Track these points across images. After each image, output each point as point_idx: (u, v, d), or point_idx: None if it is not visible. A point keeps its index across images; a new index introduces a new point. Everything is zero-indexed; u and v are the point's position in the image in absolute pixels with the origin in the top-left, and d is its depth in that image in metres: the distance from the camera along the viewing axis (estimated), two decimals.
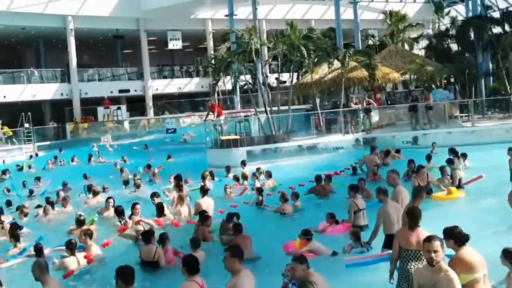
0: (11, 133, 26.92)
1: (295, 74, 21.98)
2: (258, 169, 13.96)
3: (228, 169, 14.91)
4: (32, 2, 27.95)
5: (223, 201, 11.29)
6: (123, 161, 19.75)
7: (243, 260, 4.85)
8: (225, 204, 10.84)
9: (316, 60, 19.65)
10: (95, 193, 11.77)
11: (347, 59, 20.21)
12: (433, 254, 4.30)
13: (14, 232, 8.42)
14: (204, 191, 10.01)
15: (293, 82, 21.12)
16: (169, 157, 19.83)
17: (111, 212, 9.91)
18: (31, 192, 14.60)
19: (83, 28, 30.07)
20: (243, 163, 15.16)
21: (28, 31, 29.87)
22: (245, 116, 20.15)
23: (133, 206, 9.00)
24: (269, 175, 12.76)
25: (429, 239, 4.43)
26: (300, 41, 18.82)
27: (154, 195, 10.24)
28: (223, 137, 17.86)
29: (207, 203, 9.68)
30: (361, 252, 7.05)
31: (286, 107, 20.86)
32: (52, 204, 10.89)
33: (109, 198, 10.54)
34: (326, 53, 19.77)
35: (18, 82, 29.99)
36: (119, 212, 9.27)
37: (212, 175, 13.77)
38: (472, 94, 23.55)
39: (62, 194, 12.60)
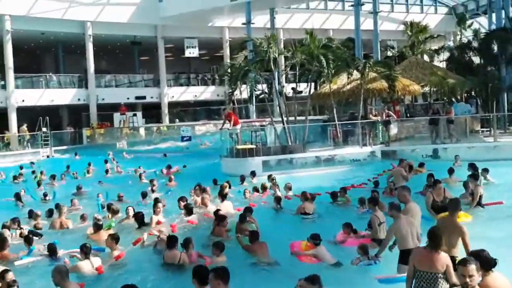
0: (28, 137, 27.24)
1: (313, 84, 21.64)
2: (270, 176, 13.91)
3: (242, 178, 14.80)
4: (52, 7, 28.33)
5: (242, 204, 11.15)
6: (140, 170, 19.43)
7: (228, 283, 4.68)
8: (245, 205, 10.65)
9: (334, 70, 19.31)
10: (114, 212, 10.59)
11: (367, 70, 19.79)
12: (468, 279, 4.06)
13: (29, 235, 8.38)
14: (223, 195, 10.26)
15: (311, 92, 20.76)
16: (184, 166, 19.65)
17: (131, 220, 9.74)
18: (45, 195, 14.48)
19: (101, 34, 30.33)
20: (253, 174, 15.08)
21: (48, 36, 30.27)
22: (261, 126, 19.82)
23: (155, 204, 8.89)
24: (289, 187, 12.48)
25: (464, 262, 4.16)
26: (319, 51, 18.50)
27: (181, 199, 10.27)
28: (239, 146, 17.60)
29: (226, 207, 9.98)
30: (369, 265, 7.06)
31: (302, 117, 20.57)
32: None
33: (128, 207, 10.36)
34: (346, 63, 19.40)
35: (37, 87, 30.33)
36: (139, 218, 9.17)
37: (229, 184, 13.59)
38: (494, 108, 22.93)
39: (76, 202, 12.53)
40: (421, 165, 15.58)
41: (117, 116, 29.93)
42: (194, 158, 21.84)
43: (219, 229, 8.40)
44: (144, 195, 12.81)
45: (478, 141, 19.38)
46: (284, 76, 26.86)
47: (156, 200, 9.31)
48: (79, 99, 30.73)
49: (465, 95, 25.54)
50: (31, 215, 10.69)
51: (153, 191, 13.41)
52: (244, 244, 7.78)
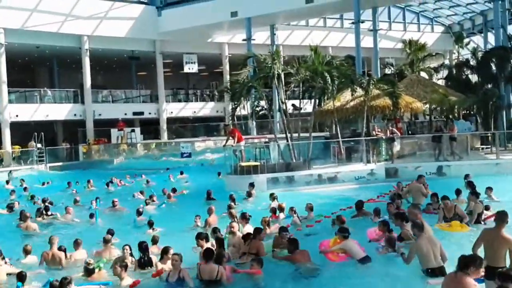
0: (17, 153, 26.66)
1: (314, 101, 21.51)
2: (272, 194, 13.50)
3: (249, 194, 14.66)
4: (48, 21, 27.93)
5: None
6: (146, 182, 19.55)
7: None
8: None
9: (338, 87, 19.19)
10: (106, 242, 9.45)
11: (371, 87, 19.70)
12: None
13: (22, 272, 7.62)
14: (246, 218, 9.81)
15: (312, 110, 20.57)
16: (181, 173, 19.31)
17: (128, 260, 8.38)
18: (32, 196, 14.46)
19: (98, 48, 29.97)
20: (252, 185, 14.98)
21: (43, 50, 29.75)
22: (265, 142, 19.53)
23: (165, 251, 7.79)
24: (310, 208, 11.90)
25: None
26: (323, 67, 18.39)
27: (214, 230, 9.04)
28: (243, 163, 17.27)
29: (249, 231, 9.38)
30: (396, 257, 7.12)
31: (305, 134, 20.37)
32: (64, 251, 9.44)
33: (125, 245, 8.86)
34: (350, 80, 19.29)
35: (31, 102, 29.76)
36: (143, 248, 8.29)
37: (233, 199, 13.39)
38: (492, 126, 23.05)
39: (70, 210, 12.84)
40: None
41: (114, 132, 29.50)
42: (193, 174, 21.45)
43: (256, 243, 7.95)
44: (139, 213, 12.54)
45: (480, 158, 19.42)
46: (285, 92, 26.76)
47: (167, 248, 7.97)
48: (75, 115, 30.20)
49: (463, 112, 25.63)
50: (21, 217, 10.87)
51: (146, 203, 13.41)
52: (284, 256, 7.59)
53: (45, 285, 7.47)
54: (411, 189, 12.95)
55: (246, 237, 8.27)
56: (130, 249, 8.51)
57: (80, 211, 13.99)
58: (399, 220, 8.36)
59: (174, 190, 16.26)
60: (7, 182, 19.73)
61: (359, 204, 11.36)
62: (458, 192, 12.05)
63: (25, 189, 18.90)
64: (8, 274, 8.03)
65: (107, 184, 19.72)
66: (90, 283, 7.39)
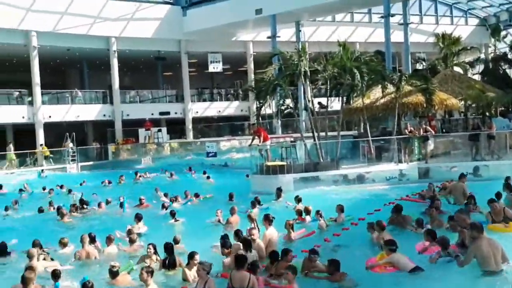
0: (47, 153, 27.23)
1: (342, 99, 20.85)
2: (296, 196, 13.10)
3: (279, 193, 14.31)
4: (77, 23, 28.44)
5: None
6: (170, 175, 19.94)
7: None
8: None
9: (368, 83, 18.47)
10: (132, 241, 9.98)
11: (402, 83, 18.88)
12: None
13: (56, 270, 7.71)
14: (269, 220, 9.25)
15: (341, 107, 19.92)
16: (208, 177, 19.23)
17: (152, 259, 8.60)
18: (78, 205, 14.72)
19: (126, 49, 30.28)
20: (279, 190, 14.54)
21: (73, 52, 30.39)
22: (291, 141, 19.06)
23: (191, 256, 7.58)
24: (340, 209, 11.49)
25: None
26: (352, 63, 17.73)
27: (237, 232, 8.92)
28: (269, 163, 16.87)
29: (272, 234, 9.07)
30: (449, 261, 6.85)
31: (332, 133, 19.79)
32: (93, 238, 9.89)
33: (149, 245, 8.93)
34: (381, 76, 18.54)
35: (63, 103, 30.44)
36: (168, 250, 8.37)
37: (258, 201, 13.20)
38: None
39: (103, 205, 14.12)
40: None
41: (142, 131, 29.65)
42: (219, 174, 21.29)
43: (283, 264, 7.36)
44: (164, 207, 13.16)
45: None
46: (312, 90, 26.16)
47: (192, 254, 7.65)
48: (104, 115, 30.64)
49: (500, 109, 24.35)
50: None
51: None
52: (325, 276, 7.16)
53: (82, 281, 7.45)
54: (453, 188, 12.52)
55: (272, 256, 7.74)
56: (154, 248, 8.62)
57: (111, 208, 14.84)
58: (475, 232, 7.71)
59: (197, 196, 15.92)
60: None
61: (399, 208, 10.56)
62: (498, 195, 11.22)
63: (61, 186, 19.47)
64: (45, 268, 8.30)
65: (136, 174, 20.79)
66: None
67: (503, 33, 31.13)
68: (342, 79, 17.92)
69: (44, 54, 28.05)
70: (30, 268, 7.32)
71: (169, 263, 8.23)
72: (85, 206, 14.57)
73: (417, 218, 9.97)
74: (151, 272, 6.99)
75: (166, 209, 13.28)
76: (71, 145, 27.44)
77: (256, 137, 18.06)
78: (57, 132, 29.09)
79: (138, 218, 11.38)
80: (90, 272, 8.37)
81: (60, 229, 12.13)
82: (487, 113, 23.67)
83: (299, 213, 11.51)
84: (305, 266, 7.52)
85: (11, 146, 27.38)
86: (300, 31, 27.37)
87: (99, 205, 14.66)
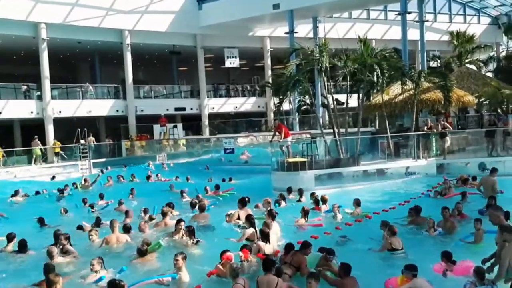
0: (58, 149, 26.70)
1: (361, 95, 20.90)
2: (312, 193, 13.33)
3: (301, 192, 14.30)
4: (89, 15, 27.78)
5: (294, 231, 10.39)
6: (186, 180, 19.29)
7: None
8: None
9: (388, 80, 18.56)
10: (164, 214, 11.26)
11: (421, 80, 18.97)
12: None
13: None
14: (272, 216, 9.66)
15: (361, 104, 19.98)
16: (230, 179, 19.17)
17: (180, 235, 9.47)
18: (91, 206, 14.38)
19: (139, 43, 29.84)
20: (289, 190, 14.61)
21: (84, 45, 29.70)
22: (312, 138, 19.12)
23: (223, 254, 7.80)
24: (357, 203, 11.88)
25: None
26: (373, 60, 17.78)
27: (249, 217, 9.51)
28: (290, 159, 16.91)
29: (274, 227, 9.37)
30: None
31: (352, 129, 19.83)
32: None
33: (179, 220, 9.86)
34: (401, 73, 18.61)
35: (73, 98, 29.85)
36: (191, 232, 9.10)
37: (283, 198, 13.36)
38: None
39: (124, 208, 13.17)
40: (474, 178, 15.16)
41: (157, 128, 29.33)
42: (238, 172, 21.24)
43: (300, 258, 7.54)
44: (193, 205, 12.73)
45: None
46: (332, 86, 26.19)
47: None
48: (117, 110, 30.26)
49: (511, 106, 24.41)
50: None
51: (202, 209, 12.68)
52: (333, 279, 7.10)
53: (119, 271, 7.63)
54: (483, 182, 12.64)
55: (288, 247, 7.90)
56: (184, 224, 9.41)
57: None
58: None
59: (217, 187, 16.12)
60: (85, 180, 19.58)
61: (418, 209, 10.66)
62: None
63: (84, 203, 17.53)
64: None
65: (147, 178, 20.08)
66: (155, 277, 7.35)
67: None
68: (362, 75, 17.99)
69: (54, 47, 27.42)
70: (52, 270, 7.06)
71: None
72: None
73: (429, 218, 9.90)
74: (185, 258, 7.26)
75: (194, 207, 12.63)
76: (82, 141, 26.71)
77: (277, 133, 18.15)
78: (67, 128, 28.54)
79: (164, 213, 11.38)
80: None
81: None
82: (499, 110, 23.75)
83: (316, 202, 11.73)
84: (320, 264, 7.60)
85: (38, 141, 26.45)
86: (318, 27, 27.31)
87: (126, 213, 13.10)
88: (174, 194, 16.50)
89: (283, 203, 13.12)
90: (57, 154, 26.86)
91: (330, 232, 9.97)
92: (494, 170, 13.24)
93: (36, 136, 26.73)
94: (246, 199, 12.01)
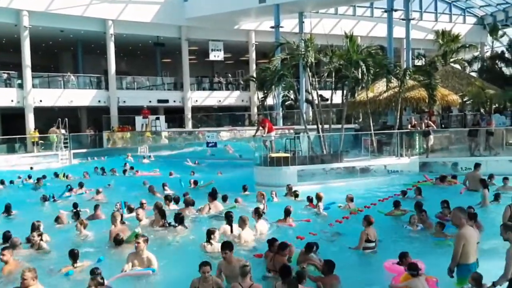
0: (36, 139, 26.28)
1: (346, 92, 20.83)
2: (288, 185, 13.73)
3: (289, 190, 14.18)
4: (72, 3, 27.41)
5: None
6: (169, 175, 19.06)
7: None
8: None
9: (373, 77, 18.50)
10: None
11: (406, 78, 18.96)
12: None
13: (74, 250, 7.67)
14: (258, 213, 9.57)
15: (345, 100, 19.90)
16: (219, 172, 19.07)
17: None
18: (70, 189, 14.47)
19: (123, 33, 29.53)
20: (244, 188, 14.59)
21: (67, 34, 29.41)
22: (296, 133, 18.99)
23: (224, 246, 7.38)
24: (350, 199, 11.98)
25: None
26: (358, 56, 17.69)
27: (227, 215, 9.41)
28: (273, 154, 16.76)
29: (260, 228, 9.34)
30: None
31: (336, 126, 19.78)
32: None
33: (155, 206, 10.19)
34: (386, 70, 18.56)
35: (55, 87, 29.47)
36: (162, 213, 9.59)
37: (275, 194, 13.36)
38: None
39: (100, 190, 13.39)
40: (454, 176, 15.43)
41: (139, 119, 29.03)
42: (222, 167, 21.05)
43: (280, 258, 7.24)
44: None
45: None
46: (317, 82, 26.08)
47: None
48: (99, 101, 29.90)
49: (494, 106, 24.71)
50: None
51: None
52: (314, 276, 6.92)
53: (97, 262, 7.52)
54: (470, 177, 13.13)
55: (271, 251, 7.56)
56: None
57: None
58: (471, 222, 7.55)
59: (195, 183, 15.99)
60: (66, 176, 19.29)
61: (420, 204, 10.66)
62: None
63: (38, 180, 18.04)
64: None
65: (124, 172, 19.91)
66: (135, 269, 7.22)
67: (499, 32, 31.49)
68: (347, 71, 17.88)
69: (36, 35, 27.01)
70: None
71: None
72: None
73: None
74: (146, 241, 7.38)
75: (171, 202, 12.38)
76: (63, 131, 26.54)
77: (261, 127, 17.96)
78: (48, 117, 28.16)
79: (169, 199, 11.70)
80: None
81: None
82: (482, 110, 24.00)
83: (309, 199, 11.62)
84: (301, 259, 7.45)
85: (55, 129, 26.27)
86: (303, 22, 27.14)
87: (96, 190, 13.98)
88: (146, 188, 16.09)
89: (275, 199, 13.15)
90: (36, 143, 26.36)
91: (316, 233, 9.71)
92: (477, 165, 13.66)
93: (54, 124, 26.63)
94: (216, 192, 12.24)
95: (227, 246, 6.88)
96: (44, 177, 18.10)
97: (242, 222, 8.83)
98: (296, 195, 13.36)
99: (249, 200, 12.82)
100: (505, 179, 12.91)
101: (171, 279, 7.15)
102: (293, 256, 7.59)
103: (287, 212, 10.56)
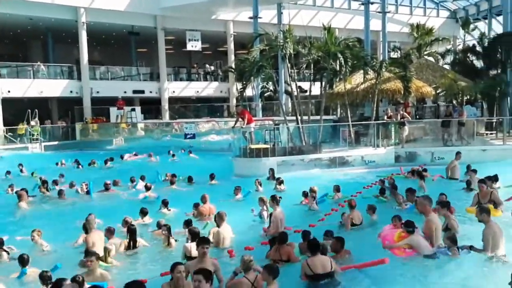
0: (23, 131, 25.57)
1: (324, 83, 20.97)
2: (271, 169, 14.31)
3: (272, 173, 14.62)
4: None
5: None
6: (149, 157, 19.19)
7: None
8: None
9: (351, 69, 18.69)
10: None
11: (383, 70, 19.21)
12: None
13: (24, 255, 7.21)
14: (276, 200, 9.23)
15: (323, 92, 20.03)
16: (190, 152, 18.78)
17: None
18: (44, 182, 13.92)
19: (96, 22, 28.72)
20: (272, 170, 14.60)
21: (36, 22, 28.39)
22: (275, 125, 19.01)
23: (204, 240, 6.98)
24: (337, 189, 12.22)
25: None
26: (336, 48, 17.81)
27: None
28: (253, 146, 16.78)
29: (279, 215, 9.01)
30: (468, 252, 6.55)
31: (315, 117, 19.87)
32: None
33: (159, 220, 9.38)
34: (364, 62, 18.75)
35: (24, 77, 28.50)
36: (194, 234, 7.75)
37: (260, 183, 13.36)
38: (495, 112, 22.92)
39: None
40: (425, 170, 15.50)
41: (114, 110, 28.33)
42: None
43: (287, 250, 7.14)
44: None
45: (487, 144, 19.36)
46: (296, 73, 26.12)
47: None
48: (71, 91, 29.02)
49: (466, 98, 25.40)
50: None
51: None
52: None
53: (53, 269, 7.00)
54: (451, 165, 13.68)
55: (274, 242, 7.43)
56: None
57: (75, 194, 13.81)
58: (444, 209, 7.92)
59: (174, 176, 15.51)
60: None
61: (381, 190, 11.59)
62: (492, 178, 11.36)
63: (21, 171, 18.27)
64: None
65: (106, 162, 19.54)
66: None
67: (471, 26, 32.27)
68: (325, 63, 17.97)
69: (3, 22, 26.08)
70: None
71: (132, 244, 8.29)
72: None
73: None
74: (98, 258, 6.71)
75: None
76: (33, 123, 25.77)
77: (240, 119, 17.89)
78: (17, 109, 27.19)
79: (144, 213, 10.25)
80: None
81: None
82: (455, 101, 24.61)
83: (305, 195, 11.62)
84: (303, 249, 7.33)
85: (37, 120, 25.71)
86: (282, 13, 27.04)
87: (59, 193, 13.05)
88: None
89: (260, 188, 13.24)
90: (4, 137, 25.56)
91: (315, 224, 9.63)
92: (457, 154, 14.33)
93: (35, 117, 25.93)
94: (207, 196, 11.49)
95: (207, 240, 6.39)
96: (8, 172, 17.57)
97: (220, 218, 8.48)
98: (280, 182, 13.45)
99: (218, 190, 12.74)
100: (473, 171, 13.08)
101: None
102: (294, 250, 7.43)
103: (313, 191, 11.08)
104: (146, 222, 10.04)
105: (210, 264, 6.01)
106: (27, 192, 12.43)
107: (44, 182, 13.89)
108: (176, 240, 8.40)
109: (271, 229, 8.73)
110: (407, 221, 6.83)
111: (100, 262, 7.05)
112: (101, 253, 7.43)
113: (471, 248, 6.52)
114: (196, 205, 10.58)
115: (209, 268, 5.67)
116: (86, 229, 8.00)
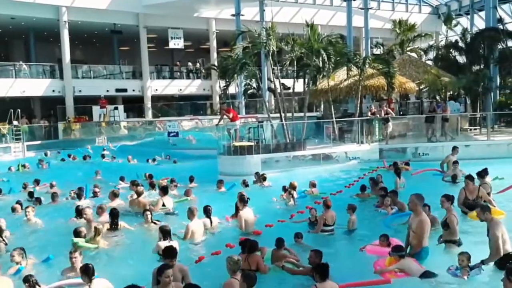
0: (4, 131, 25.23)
1: (307, 80, 20.97)
2: (257, 173, 13.74)
3: (258, 177, 14.19)
4: None
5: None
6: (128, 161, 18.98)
7: None
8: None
9: (334, 65, 18.70)
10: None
11: (366, 66, 19.27)
12: None
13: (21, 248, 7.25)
14: (244, 200, 9.18)
15: (307, 89, 20.03)
16: (175, 161, 18.63)
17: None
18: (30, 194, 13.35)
19: (78, 20, 28.43)
20: (257, 174, 14.33)
21: (18, 21, 28.05)
22: (259, 122, 18.97)
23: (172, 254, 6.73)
24: (313, 184, 12.23)
25: None
26: (319, 45, 17.81)
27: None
28: (237, 143, 16.68)
29: (247, 215, 9.01)
30: (476, 274, 6.19)
31: (296, 114, 19.92)
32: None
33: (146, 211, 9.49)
34: (347, 59, 18.79)
35: (5, 76, 28.17)
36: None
37: (246, 184, 13.09)
38: (479, 108, 23.16)
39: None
40: (407, 163, 15.86)
41: (96, 109, 28.12)
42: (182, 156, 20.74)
43: (255, 258, 6.80)
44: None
45: (471, 139, 19.48)
46: (279, 71, 26.03)
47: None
48: (53, 91, 28.73)
49: (449, 94, 25.63)
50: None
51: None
52: (299, 270, 6.72)
53: (45, 260, 7.18)
54: (446, 161, 13.72)
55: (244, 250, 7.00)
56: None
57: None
58: (449, 203, 7.63)
59: (150, 177, 15.35)
60: (24, 166, 18.68)
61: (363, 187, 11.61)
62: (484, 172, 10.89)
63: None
64: None
65: (84, 157, 19.53)
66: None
67: (453, 22, 32.52)
68: (309, 60, 17.96)
69: None
70: None
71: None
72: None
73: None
74: (80, 254, 6.71)
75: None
76: (15, 122, 25.37)
77: (225, 116, 17.80)
78: None
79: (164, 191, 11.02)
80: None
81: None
82: (438, 97, 24.81)
83: (285, 189, 11.62)
84: (275, 257, 7.08)
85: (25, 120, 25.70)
86: (264, 10, 26.97)
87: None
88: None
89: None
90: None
91: (284, 220, 9.71)
92: (454, 148, 14.31)
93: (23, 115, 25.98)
94: (168, 187, 11.88)
95: (175, 254, 5.99)
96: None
97: (191, 213, 8.40)
98: (264, 178, 13.45)
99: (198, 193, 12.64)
100: (455, 163, 13.23)
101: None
102: (265, 256, 7.16)
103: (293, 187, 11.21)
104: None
105: (177, 271, 5.84)
106: (21, 204, 11.51)
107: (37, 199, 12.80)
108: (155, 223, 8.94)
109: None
110: (396, 246, 6.63)
111: (88, 245, 7.67)
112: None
113: (482, 263, 6.28)
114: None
115: (177, 274, 5.67)
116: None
